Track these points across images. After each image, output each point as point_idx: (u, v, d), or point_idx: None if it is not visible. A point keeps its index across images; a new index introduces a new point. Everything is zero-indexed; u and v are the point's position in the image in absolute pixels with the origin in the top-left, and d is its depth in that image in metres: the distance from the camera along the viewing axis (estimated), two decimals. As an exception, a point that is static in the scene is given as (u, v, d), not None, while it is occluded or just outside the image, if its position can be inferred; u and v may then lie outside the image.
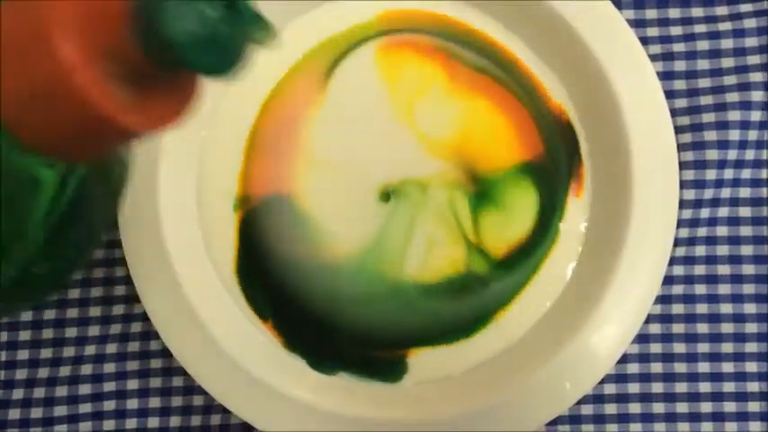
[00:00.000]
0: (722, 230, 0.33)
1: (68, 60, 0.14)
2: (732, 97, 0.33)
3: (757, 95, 0.32)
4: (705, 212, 0.33)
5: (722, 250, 0.33)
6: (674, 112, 0.33)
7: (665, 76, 0.33)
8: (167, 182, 0.31)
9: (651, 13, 0.34)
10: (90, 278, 0.33)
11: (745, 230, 0.33)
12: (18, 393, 0.33)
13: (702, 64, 0.33)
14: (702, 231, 0.33)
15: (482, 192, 0.32)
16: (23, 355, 0.33)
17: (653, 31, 0.34)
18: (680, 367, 0.32)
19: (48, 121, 0.15)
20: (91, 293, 0.33)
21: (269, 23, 0.15)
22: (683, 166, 0.32)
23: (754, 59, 0.33)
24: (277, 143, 0.33)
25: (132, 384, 0.33)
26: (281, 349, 0.32)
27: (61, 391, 0.33)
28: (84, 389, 0.33)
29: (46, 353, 0.33)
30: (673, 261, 0.32)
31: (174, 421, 0.32)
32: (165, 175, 0.31)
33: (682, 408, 0.32)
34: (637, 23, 0.33)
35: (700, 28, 0.33)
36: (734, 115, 0.32)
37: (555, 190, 0.33)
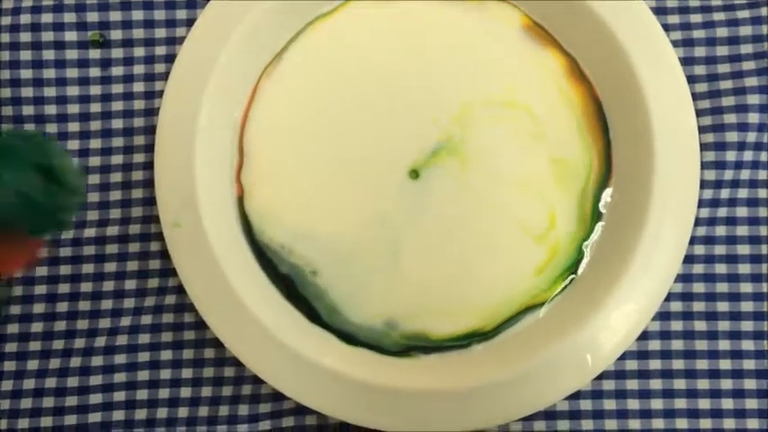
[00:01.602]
0: (742, 211, 0.33)
1: None
2: (751, 82, 0.34)
3: (776, 79, 0.33)
4: (725, 193, 0.33)
5: (742, 230, 0.33)
6: (695, 96, 0.34)
7: (686, 61, 0.34)
8: (203, 158, 0.33)
9: (672, 2, 0.35)
10: (126, 252, 0.34)
11: (764, 211, 0.33)
12: (55, 363, 0.34)
13: (722, 50, 0.34)
14: (723, 212, 0.33)
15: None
16: (60, 326, 0.34)
17: (674, 19, 0.35)
18: (701, 345, 0.33)
19: None
20: (127, 267, 0.34)
21: (82, 189, 0.18)
22: (703, 147, 0.33)
23: (772, 45, 0.34)
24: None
25: (166, 355, 0.34)
26: (307, 321, 0.33)
27: (97, 361, 0.34)
28: (120, 359, 0.34)
29: (82, 324, 0.34)
30: (693, 240, 0.33)
31: (206, 391, 0.33)
32: (200, 151, 0.32)
33: (702, 384, 0.33)
34: (658, 11, 0.34)
35: (719, 15, 0.34)
36: (753, 99, 0.33)
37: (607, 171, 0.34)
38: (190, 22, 0.35)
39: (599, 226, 0.33)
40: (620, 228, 0.33)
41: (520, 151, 0.33)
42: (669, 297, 0.33)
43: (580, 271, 0.33)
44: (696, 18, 0.35)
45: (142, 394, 0.33)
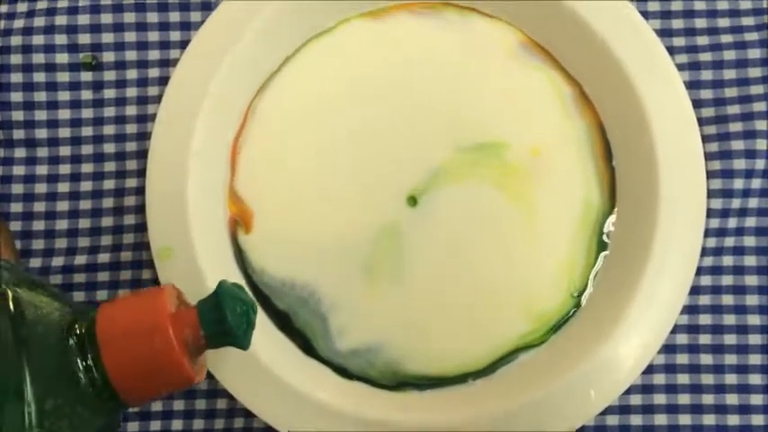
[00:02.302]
0: (750, 240, 0.33)
1: (176, 345, 0.24)
2: (759, 107, 0.33)
3: (785, 105, 0.32)
4: (732, 222, 0.32)
5: (750, 261, 0.32)
6: (701, 122, 0.33)
7: (692, 85, 0.33)
8: (196, 183, 0.32)
9: (677, 23, 0.34)
10: (118, 280, 0.33)
11: (774, 241, 0.32)
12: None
13: (729, 74, 0.33)
14: (730, 241, 0.32)
15: None
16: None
17: (679, 41, 0.34)
18: (707, 379, 0.32)
19: (145, 384, 0.25)
20: (118, 295, 0.33)
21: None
22: (710, 175, 0.32)
23: (781, 69, 0.33)
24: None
25: (157, 386, 0.33)
26: (302, 353, 0.32)
27: (87, 392, 0.33)
28: (110, 390, 0.33)
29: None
30: (700, 271, 0.32)
31: (198, 424, 0.32)
32: (194, 177, 0.32)
33: (708, 420, 0.32)
34: (663, 33, 0.34)
35: (726, 38, 0.33)
36: (761, 125, 0.32)
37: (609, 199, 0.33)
38: (184, 44, 0.34)
39: (602, 256, 0.32)
40: (624, 258, 0.32)
41: (525, 182, 0.32)
42: (675, 329, 0.32)
43: (583, 302, 0.32)
44: (703, 40, 0.34)
45: (133, 426, 0.33)
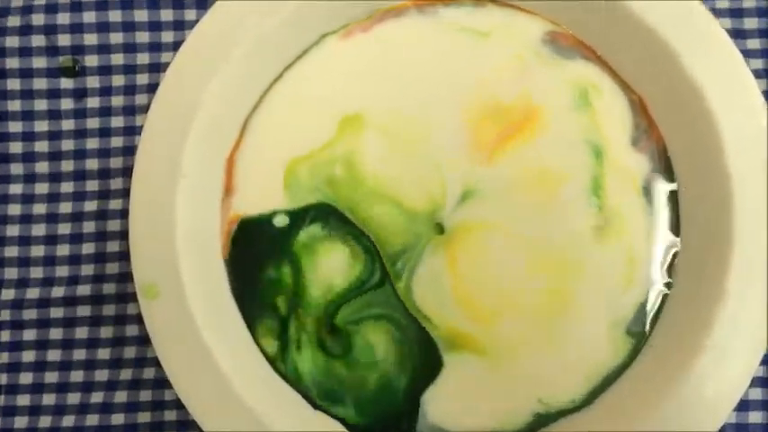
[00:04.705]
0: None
1: None
2: None
3: None
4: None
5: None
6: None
7: (770, 95, 0.29)
8: (187, 207, 0.27)
9: (750, 23, 0.29)
10: (100, 315, 0.30)
11: None
12: (17, 445, 0.29)
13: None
14: (815, 280, 0.28)
15: None
16: (24, 401, 0.29)
17: (753, 44, 0.29)
18: (786, 441, 0.27)
19: None
20: (100, 333, 0.30)
21: None
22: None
23: None
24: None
25: (144, 439, 0.29)
26: (310, 407, 0.28)
27: (63, 446, 0.29)
28: (89, 444, 0.29)
29: (48, 399, 0.29)
30: (779, 314, 0.27)
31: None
32: (184, 199, 0.27)
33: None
34: (736, 34, 0.29)
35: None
36: None
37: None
38: (177, 46, 0.30)
39: (659, 293, 0.27)
40: (690, 300, 0.27)
41: (574, 208, 0.28)
42: (750, 383, 0.27)
43: (639, 353, 0.27)
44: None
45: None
